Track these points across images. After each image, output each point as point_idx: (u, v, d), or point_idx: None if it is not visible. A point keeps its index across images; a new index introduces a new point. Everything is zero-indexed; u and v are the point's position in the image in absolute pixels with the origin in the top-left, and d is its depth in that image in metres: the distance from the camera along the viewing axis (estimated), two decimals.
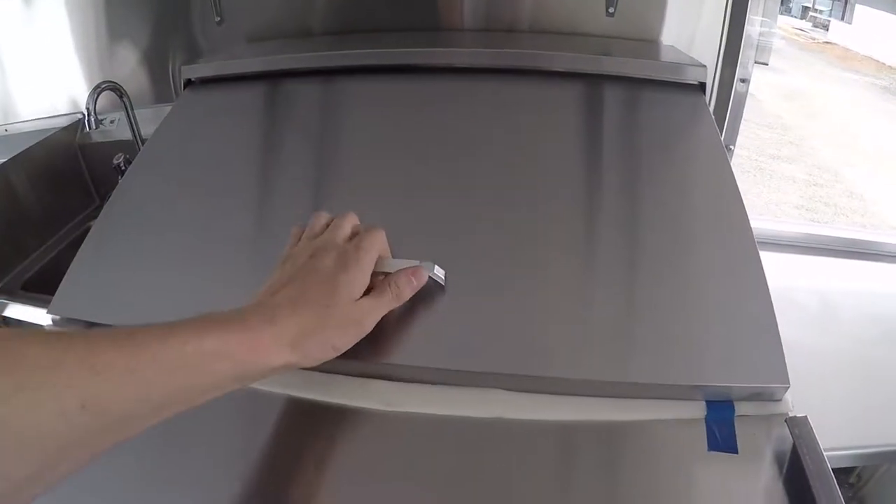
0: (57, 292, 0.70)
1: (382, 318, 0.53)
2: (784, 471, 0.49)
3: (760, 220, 1.47)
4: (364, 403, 0.56)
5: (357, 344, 0.51)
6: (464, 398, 0.55)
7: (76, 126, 1.41)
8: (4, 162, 1.25)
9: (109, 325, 0.63)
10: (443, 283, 0.58)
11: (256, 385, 0.55)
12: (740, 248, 0.63)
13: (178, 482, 0.52)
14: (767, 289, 0.58)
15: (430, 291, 0.58)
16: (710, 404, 0.55)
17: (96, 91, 1.15)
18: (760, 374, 0.54)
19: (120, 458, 0.47)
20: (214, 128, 0.91)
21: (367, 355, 0.55)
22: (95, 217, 1.36)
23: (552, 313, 0.59)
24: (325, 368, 0.53)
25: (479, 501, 0.49)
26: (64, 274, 0.71)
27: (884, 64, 8.12)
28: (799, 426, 0.51)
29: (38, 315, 1.12)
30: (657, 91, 0.85)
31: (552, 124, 0.81)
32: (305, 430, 0.55)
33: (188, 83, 0.99)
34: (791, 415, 0.53)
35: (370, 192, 0.74)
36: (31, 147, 1.30)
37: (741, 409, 0.54)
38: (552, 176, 0.73)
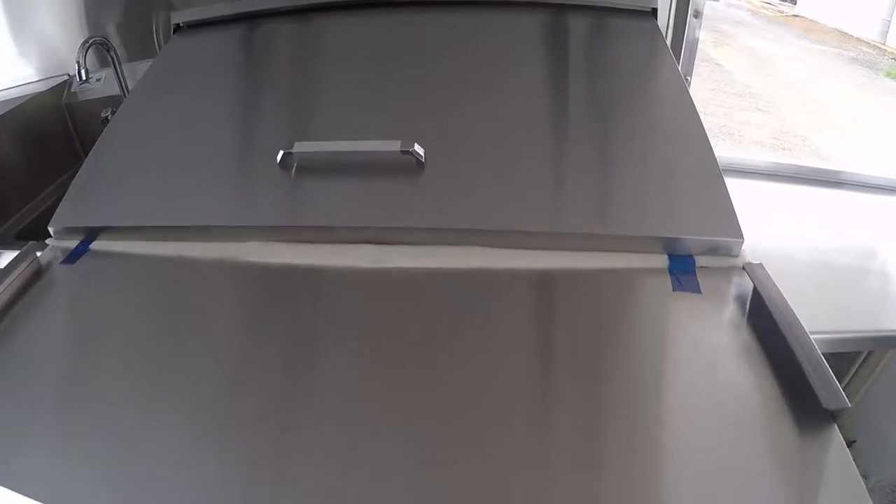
0: (58, 209, 0.76)
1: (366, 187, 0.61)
2: (747, 309, 0.57)
3: (734, 151, 1.58)
4: (354, 263, 0.63)
5: (342, 212, 0.59)
6: (446, 254, 0.64)
7: (62, 87, 1.44)
8: None
9: (108, 228, 0.69)
10: (423, 160, 0.65)
11: (253, 259, 0.63)
12: (692, 134, 0.71)
13: (191, 351, 0.58)
14: (716, 162, 0.67)
15: (411, 167, 0.66)
16: (672, 257, 0.62)
17: (85, 45, 1.19)
18: (715, 228, 0.62)
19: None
20: (203, 64, 0.97)
21: (353, 221, 0.63)
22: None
23: (526, 178, 0.67)
24: (314, 239, 0.61)
25: (466, 340, 0.57)
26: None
27: (850, 36, 8.31)
28: (756, 270, 0.58)
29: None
30: (613, 17, 0.92)
31: (514, 45, 0.89)
32: (302, 293, 0.62)
33: (177, 28, 1.04)
34: (748, 261, 0.61)
35: (352, 106, 0.81)
36: (17, 106, 1.32)
37: (702, 262, 0.62)
38: (520, 81, 0.81)
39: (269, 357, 0.56)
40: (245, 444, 0.48)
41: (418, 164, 0.66)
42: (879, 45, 7.80)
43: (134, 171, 0.77)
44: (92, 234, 0.72)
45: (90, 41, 1.22)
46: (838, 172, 1.52)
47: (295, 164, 0.70)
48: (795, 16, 9.41)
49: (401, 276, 0.62)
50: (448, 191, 0.66)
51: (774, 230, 1.24)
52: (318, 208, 0.67)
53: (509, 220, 0.63)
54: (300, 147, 0.68)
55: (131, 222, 0.69)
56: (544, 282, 0.62)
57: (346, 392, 0.51)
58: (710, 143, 0.67)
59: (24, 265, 0.68)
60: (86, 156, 1.50)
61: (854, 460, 1.46)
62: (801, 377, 0.48)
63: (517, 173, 0.67)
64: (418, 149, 0.65)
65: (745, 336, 0.54)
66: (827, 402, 0.45)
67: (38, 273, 0.69)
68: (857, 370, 1.74)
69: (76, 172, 1.45)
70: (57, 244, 0.73)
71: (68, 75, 1.48)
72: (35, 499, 0.44)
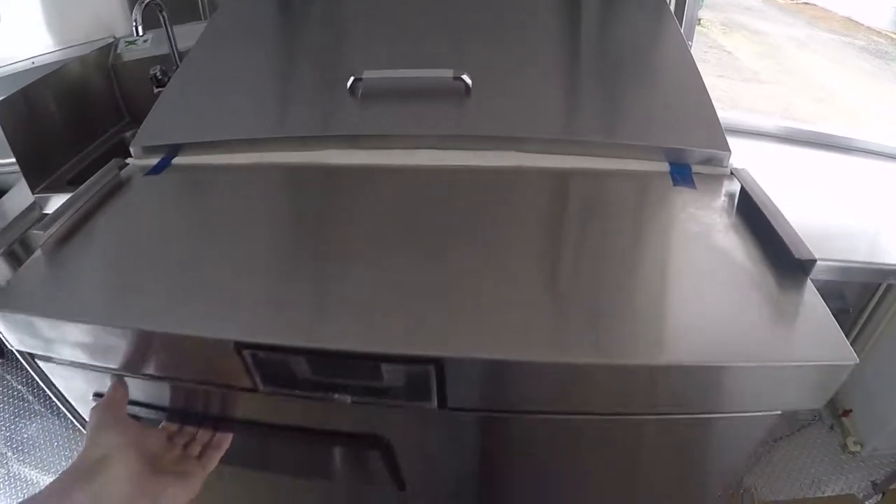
0: (139, 130, 0.87)
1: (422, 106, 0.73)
2: (736, 199, 0.70)
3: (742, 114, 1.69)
4: (413, 163, 0.77)
5: (403, 124, 0.72)
6: (487, 156, 0.77)
7: (108, 49, 1.56)
8: (39, 79, 1.37)
9: (188, 145, 0.81)
10: (470, 86, 0.78)
11: (326, 161, 0.74)
12: (688, 71, 0.84)
13: (275, 227, 0.70)
14: (708, 94, 0.79)
15: (460, 91, 0.79)
16: (672, 164, 0.74)
17: (141, 4, 1.30)
18: (707, 142, 0.74)
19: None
20: (270, 8, 1.08)
21: (412, 130, 0.76)
22: (124, 132, 1.51)
23: (553, 100, 0.82)
24: (380, 146, 0.73)
25: (502, 213, 0.70)
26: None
27: (861, 24, 8.31)
28: (742, 172, 0.71)
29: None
30: None
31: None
32: (368, 186, 0.75)
33: None
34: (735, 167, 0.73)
35: (409, 42, 0.95)
36: (65, 66, 1.43)
37: (697, 169, 0.74)
38: (545, 27, 0.94)
39: (340, 225, 0.70)
40: (319, 281, 0.61)
41: (466, 89, 0.82)
42: (890, 35, 7.80)
43: (211, 94, 0.89)
44: (172, 151, 0.84)
45: (145, 1, 1.33)
46: (848, 139, 1.63)
47: (361, 89, 0.83)
48: (806, 3, 9.41)
49: (451, 172, 0.77)
50: (489, 108, 0.81)
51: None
52: (383, 122, 0.81)
53: (538, 130, 0.77)
54: (368, 74, 0.81)
55: (210, 137, 0.81)
56: (565, 176, 0.76)
57: (404, 245, 0.66)
58: (702, 80, 0.81)
59: (108, 176, 0.80)
60: (129, 113, 1.63)
61: (849, 430, 1.61)
62: (779, 240, 0.60)
63: (545, 96, 0.83)
64: (466, 77, 0.81)
65: (734, 218, 0.66)
66: (798, 254, 0.58)
67: (120, 185, 0.80)
68: (853, 341, 1.83)
69: (120, 129, 1.57)
70: (137, 163, 0.85)
71: (114, 37, 1.59)
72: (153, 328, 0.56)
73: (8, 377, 2.14)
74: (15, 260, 1.57)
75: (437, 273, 0.60)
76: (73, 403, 0.77)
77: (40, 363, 0.69)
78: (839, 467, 1.77)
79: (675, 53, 0.88)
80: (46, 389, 1.57)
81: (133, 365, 0.61)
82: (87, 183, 0.79)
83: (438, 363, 0.52)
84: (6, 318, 0.61)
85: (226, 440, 0.66)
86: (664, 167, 0.74)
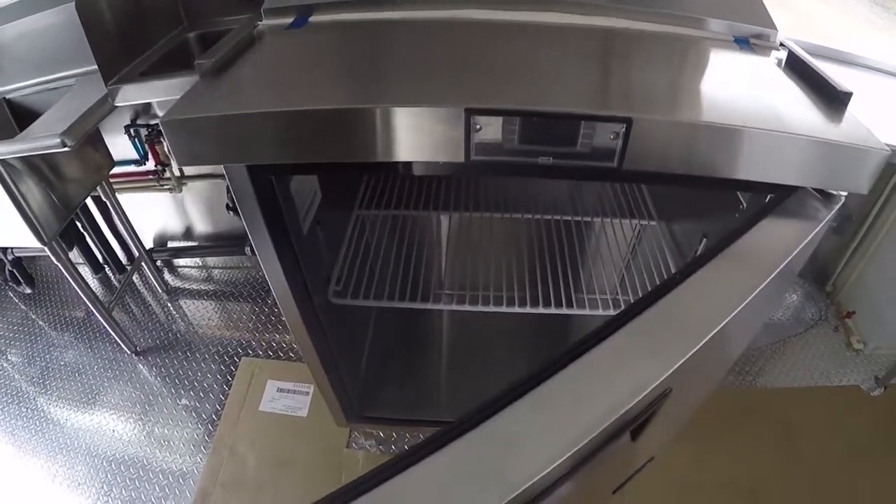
0: None
1: None
2: (784, 58, 0.87)
3: None
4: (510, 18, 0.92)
5: None
6: (575, 17, 0.93)
7: None
8: None
9: (319, 6, 0.93)
10: None
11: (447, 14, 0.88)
12: None
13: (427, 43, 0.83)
14: None
15: None
16: (734, 36, 0.90)
17: None
18: (759, 21, 0.90)
19: None
20: None
21: None
22: (182, 37, 1.58)
23: None
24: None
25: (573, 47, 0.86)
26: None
27: None
28: (789, 42, 0.87)
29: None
30: None
31: None
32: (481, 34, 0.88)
33: None
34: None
35: None
36: None
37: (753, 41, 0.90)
38: None
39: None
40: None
41: None
42: None
43: None
44: (305, 11, 0.95)
45: None
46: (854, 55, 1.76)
47: None
48: None
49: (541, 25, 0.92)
50: None
51: None
52: None
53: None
54: None
55: None
56: (637, 36, 0.91)
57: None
58: None
59: (246, 29, 0.91)
60: (188, 19, 1.71)
61: (853, 330, 1.82)
62: (824, 81, 0.78)
63: None
64: None
65: (787, 70, 0.85)
66: (840, 88, 0.76)
67: (261, 36, 0.91)
68: (856, 247, 2.01)
69: (179, 34, 1.65)
70: (269, 23, 0.96)
71: None
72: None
73: (33, 315, 2.24)
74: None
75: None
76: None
77: None
78: (844, 363, 1.97)
79: None
80: None
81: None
82: (226, 38, 0.89)
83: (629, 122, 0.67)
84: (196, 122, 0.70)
85: None
86: (728, 37, 0.92)
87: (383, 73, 0.82)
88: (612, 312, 1.24)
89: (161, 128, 0.69)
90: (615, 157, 0.71)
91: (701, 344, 0.58)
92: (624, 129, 0.68)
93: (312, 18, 0.94)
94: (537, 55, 0.85)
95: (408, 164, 0.77)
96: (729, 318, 0.60)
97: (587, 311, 1.26)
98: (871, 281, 1.99)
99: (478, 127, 0.68)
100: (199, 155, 0.75)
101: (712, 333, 0.59)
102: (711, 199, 1.10)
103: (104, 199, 1.92)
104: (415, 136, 0.71)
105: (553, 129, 0.70)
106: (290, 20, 0.95)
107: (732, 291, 0.64)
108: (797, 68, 0.85)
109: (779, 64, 0.87)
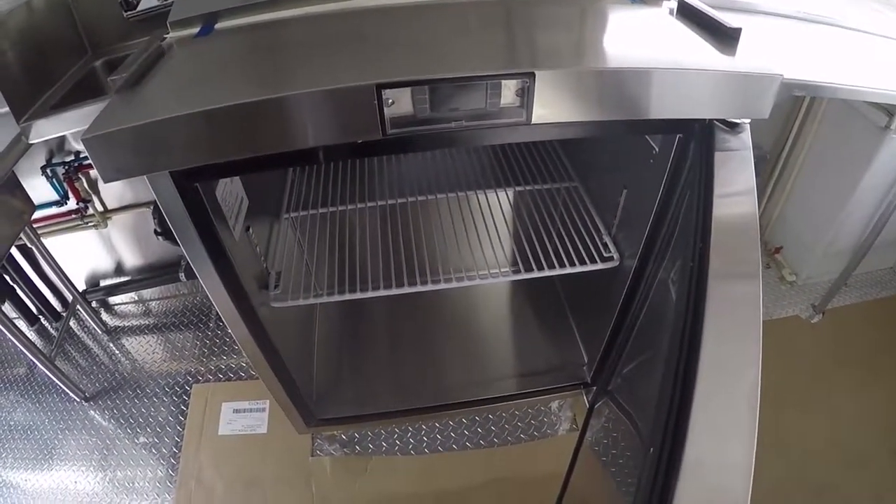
0: (173, 6, 1.02)
1: None
2: (676, 9, 0.98)
3: None
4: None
5: None
6: None
7: None
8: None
9: (224, 12, 0.97)
10: None
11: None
12: None
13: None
14: None
15: None
16: None
17: None
18: None
19: None
20: None
21: None
22: (89, 66, 1.60)
23: None
24: None
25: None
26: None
27: None
28: None
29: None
30: None
31: None
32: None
33: None
34: None
35: None
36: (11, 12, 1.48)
37: None
38: None
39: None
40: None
41: None
42: None
43: None
44: (211, 19, 0.99)
45: None
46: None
47: None
48: None
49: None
50: None
51: None
52: None
53: None
54: None
55: (241, 2, 0.98)
56: (534, 1, 1.01)
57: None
58: None
59: (154, 43, 0.94)
60: (92, 48, 1.70)
61: (783, 263, 1.97)
62: (714, 22, 0.89)
63: None
64: None
65: (680, 17, 0.96)
66: (729, 25, 0.87)
67: (170, 48, 0.95)
68: (774, 185, 2.17)
69: (84, 64, 1.65)
70: (176, 35, 0.99)
71: None
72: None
73: None
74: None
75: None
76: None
77: None
78: (781, 297, 2.13)
79: None
80: None
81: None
82: (134, 54, 0.92)
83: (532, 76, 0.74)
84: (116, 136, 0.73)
85: None
86: None
87: (291, 64, 0.87)
88: (548, 273, 1.32)
89: (83, 145, 0.72)
90: (524, 112, 0.78)
91: None
92: (528, 85, 0.75)
93: (218, 25, 0.98)
94: (439, 30, 0.93)
95: (328, 149, 0.82)
96: None
97: (522, 276, 1.34)
98: (793, 215, 2.15)
99: (390, 101, 0.74)
100: (122, 168, 0.78)
101: None
102: (625, 153, 1.20)
103: (29, 245, 1.89)
104: (330, 118, 0.76)
105: (461, 93, 0.76)
106: (196, 30, 0.99)
107: None
108: (688, 14, 0.95)
109: (671, 13, 0.97)
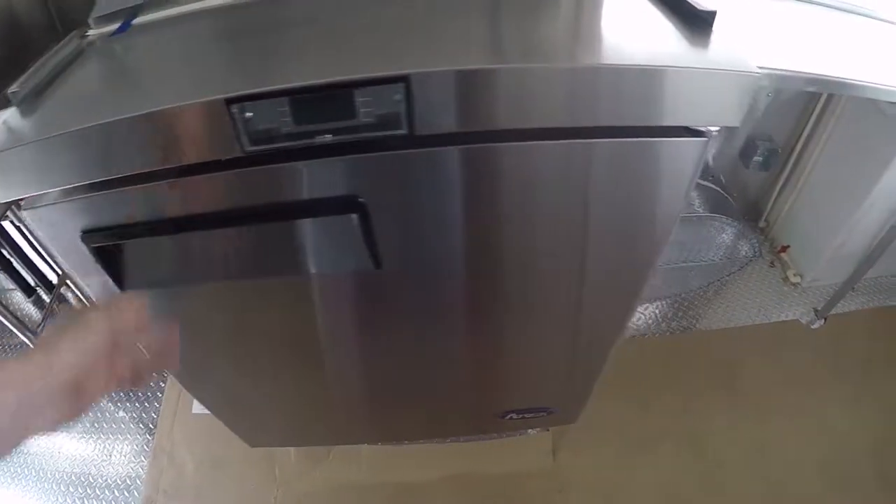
0: (95, 5, 1.00)
1: None
2: None
3: None
4: None
5: None
6: None
7: None
8: None
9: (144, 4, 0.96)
10: None
11: None
12: None
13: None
14: None
15: None
16: None
17: None
18: None
19: None
20: None
21: None
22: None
23: None
24: None
25: None
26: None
27: None
28: None
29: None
30: None
31: None
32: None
33: None
34: None
35: None
36: None
37: None
38: None
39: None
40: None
41: None
42: None
43: None
44: (130, 14, 0.98)
45: None
46: None
47: None
48: None
49: None
50: None
51: None
52: None
53: None
54: None
55: None
56: None
57: None
58: None
59: (71, 45, 0.93)
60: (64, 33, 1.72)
61: (788, 264, 1.86)
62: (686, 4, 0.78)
63: None
64: None
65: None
66: (702, 7, 0.75)
67: (87, 48, 0.94)
68: (785, 181, 2.06)
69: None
70: (97, 32, 0.99)
71: None
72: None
73: None
74: None
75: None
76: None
77: (26, 214, 0.79)
78: (783, 298, 2.04)
79: None
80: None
81: (125, 159, 0.71)
82: (49, 53, 0.92)
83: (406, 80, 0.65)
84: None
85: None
86: None
87: (161, 76, 0.84)
88: None
89: None
90: (401, 122, 0.68)
91: None
92: (403, 91, 0.66)
93: (136, 21, 0.97)
94: (335, 25, 0.87)
95: (188, 168, 0.75)
96: None
97: None
98: (803, 213, 2.04)
99: (248, 115, 0.67)
100: None
101: None
102: None
103: (13, 220, 1.95)
104: (185, 137, 0.71)
105: (327, 103, 0.68)
106: (116, 26, 0.97)
107: None
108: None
109: None
